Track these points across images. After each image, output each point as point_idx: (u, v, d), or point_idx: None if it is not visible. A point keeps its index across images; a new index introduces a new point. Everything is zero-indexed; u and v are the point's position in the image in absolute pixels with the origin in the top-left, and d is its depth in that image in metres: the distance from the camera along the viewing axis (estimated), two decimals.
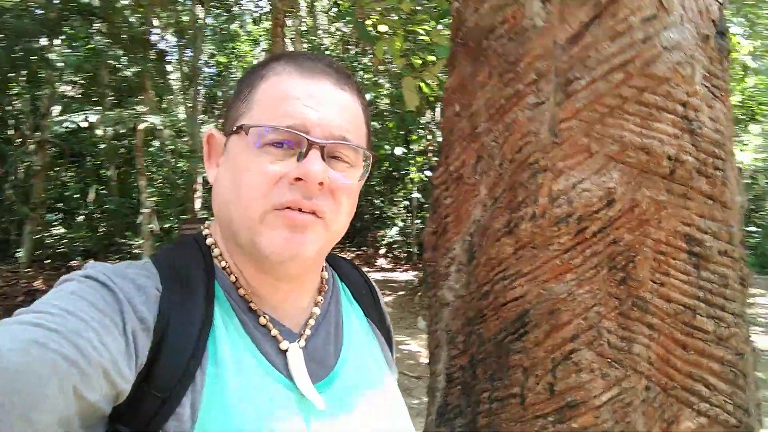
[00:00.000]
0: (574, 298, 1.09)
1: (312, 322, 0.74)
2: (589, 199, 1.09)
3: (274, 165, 0.64)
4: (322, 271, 0.82)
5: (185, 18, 11.30)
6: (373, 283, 0.92)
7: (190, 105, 12.32)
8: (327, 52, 12.01)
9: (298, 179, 0.64)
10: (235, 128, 0.68)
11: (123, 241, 11.93)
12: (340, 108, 0.69)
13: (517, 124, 1.19)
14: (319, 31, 13.01)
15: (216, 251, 0.71)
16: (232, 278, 0.70)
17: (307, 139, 0.64)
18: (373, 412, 0.73)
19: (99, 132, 8.27)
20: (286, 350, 0.68)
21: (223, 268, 0.70)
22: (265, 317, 0.69)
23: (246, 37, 16.34)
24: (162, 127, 8.55)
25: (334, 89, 0.69)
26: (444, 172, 1.43)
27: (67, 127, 8.41)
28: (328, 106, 0.67)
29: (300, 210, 0.64)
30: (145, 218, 8.93)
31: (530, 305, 1.13)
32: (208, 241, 0.73)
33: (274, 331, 0.69)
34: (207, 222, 0.78)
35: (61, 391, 0.47)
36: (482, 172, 1.29)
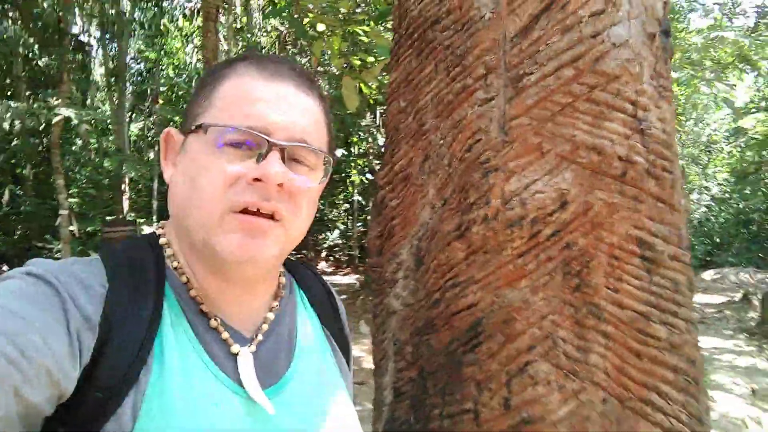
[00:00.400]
0: (529, 306, 1.03)
1: (265, 327, 0.73)
2: (543, 200, 1.03)
3: (232, 165, 0.64)
4: (280, 276, 0.81)
5: (111, 11, 10.64)
6: (334, 292, 0.92)
7: (117, 101, 11.61)
8: (263, 51, 11.68)
9: (257, 180, 0.63)
10: (194, 127, 0.67)
11: (41, 245, 11.06)
12: (302, 111, 0.68)
13: (466, 121, 1.11)
14: (255, 29, 12.66)
15: (169, 251, 0.70)
16: (184, 279, 0.68)
17: (268, 141, 0.64)
18: (322, 420, 0.72)
19: (6, 126, 7.58)
20: (237, 354, 0.67)
21: (175, 269, 0.69)
22: (216, 320, 0.68)
23: (177, 34, 15.68)
24: (77, 122, 7.94)
25: (297, 92, 0.69)
26: (389, 172, 1.34)
27: None
28: (290, 109, 0.67)
29: (258, 211, 0.64)
30: (64, 220, 8.28)
31: (483, 314, 1.06)
32: (161, 240, 0.71)
33: (225, 335, 0.68)
34: (162, 222, 0.76)
35: (1, 392, 0.47)
36: (430, 172, 1.21)
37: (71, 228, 8.63)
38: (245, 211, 0.64)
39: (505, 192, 1.04)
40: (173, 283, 0.68)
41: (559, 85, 1.05)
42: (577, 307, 1.04)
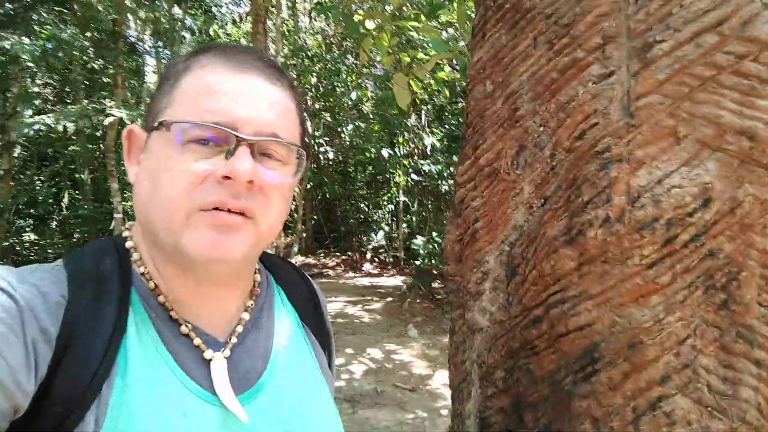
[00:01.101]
0: (662, 328, 0.83)
1: (239, 329, 0.71)
2: (681, 197, 0.83)
3: (198, 163, 0.61)
4: (255, 273, 0.79)
5: (163, 19, 10.91)
6: (316, 287, 0.89)
7: None
8: (310, 53, 11.71)
9: (227, 177, 0.61)
10: (156, 124, 0.64)
11: None
12: (271, 103, 0.66)
13: (576, 102, 0.93)
14: (301, 33, 12.72)
15: (135, 255, 0.68)
16: (151, 285, 0.66)
17: (236, 136, 0.61)
18: (300, 423, 0.70)
19: (69, 130, 7.83)
20: (210, 360, 0.65)
21: (142, 274, 0.66)
22: (187, 326, 0.66)
23: (226, 39, 16.02)
24: (130, 121, 8.14)
25: (265, 84, 0.66)
26: (471, 167, 1.17)
27: (37, 129, 7.96)
28: (257, 101, 0.64)
29: (228, 210, 0.61)
30: (118, 223, 8.49)
31: (601, 337, 0.87)
32: (128, 244, 0.69)
33: (197, 341, 0.66)
34: (130, 223, 0.73)
35: None
36: (525, 166, 1.03)
37: None
38: (215, 209, 0.61)
39: (631, 187, 0.85)
40: (140, 289, 0.65)
41: (699, 54, 0.85)
42: (723, 329, 0.83)
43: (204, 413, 0.62)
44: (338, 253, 13.75)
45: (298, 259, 12.40)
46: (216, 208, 0.61)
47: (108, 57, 8.26)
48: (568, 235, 0.91)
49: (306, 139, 0.76)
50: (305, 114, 0.77)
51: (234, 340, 0.70)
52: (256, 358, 0.71)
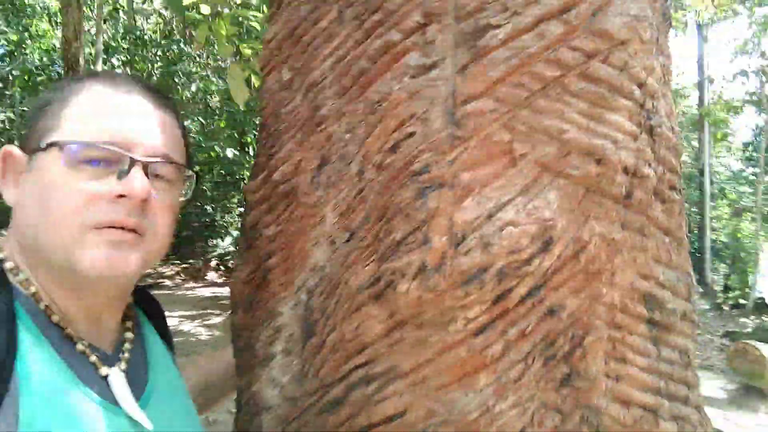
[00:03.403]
0: (493, 419, 0.61)
1: (128, 345, 0.74)
2: (517, 239, 0.61)
3: (89, 183, 0.63)
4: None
5: None
6: (155, 298, 0.91)
7: None
8: (146, 37, 10.48)
9: (121, 196, 0.63)
10: (44, 145, 0.65)
11: None
12: (161, 126, 0.69)
13: (390, 102, 0.67)
14: (133, 13, 11.34)
15: (21, 276, 0.66)
16: (42, 306, 0.65)
17: (130, 157, 0.64)
18: (183, 421, 0.75)
19: None
20: (106, 376, 0.67)
21: (32, 294, 0.65)
22: (83, 344, 0.67)
23: (44, 13, 13.82)
24: None
25: (154, 107, 0.70)
26: (265, 182, 0.87)
27: None
28: (148, 124, 0.68)
29: (122, 228, 0.64)
30: None
31: (417, 431, 0.62)
32: (7, 265, 0.66)
33: (93, 357, 0.67)
34: None
35: None
36: (329, 185, 0.75)
37: None
38: (108, 227, 0.63)
39: (455, 224, 0.61)
40: (29, 309, 0.64)
41: (542, 47, 0.64)
42: (565, 413, 0.63)
43: (113, 424, 0.64)
44: (178, 261, 12.50)
45: None
46: (111, 227, 0.63)
47: None
48: (375, 287, 0.65)
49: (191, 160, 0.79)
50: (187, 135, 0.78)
51: (126, 355, 0.72)
52: (140, 371, 0.74)
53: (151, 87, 0.73)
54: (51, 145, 0.64)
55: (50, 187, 0.63)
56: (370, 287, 0.65)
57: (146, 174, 0.65)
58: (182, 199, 0.72)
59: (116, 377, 0.68)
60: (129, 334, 0.75)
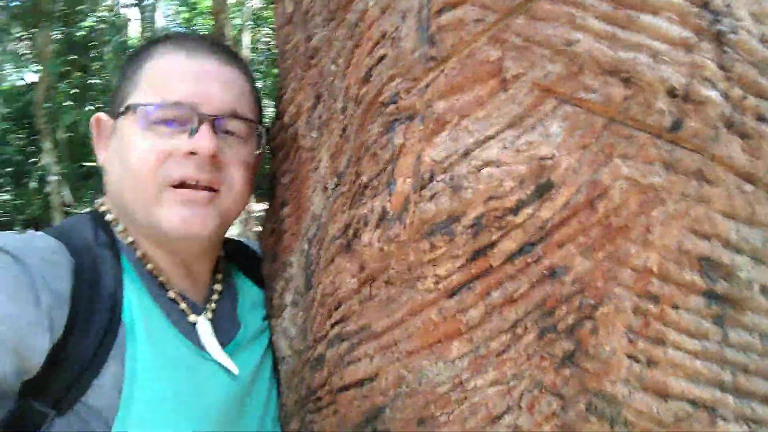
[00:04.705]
0: (465, 396, 0.51)
1: (216, 296, 0.77)
2: (499, 181, 0.49)
3: (163, 141, 0.66)
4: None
5: None
6: (254, 251, 0.93)
7: None
8: None
9: (192, 153, 0.65)
10: (122, 109, 0.69)
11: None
12: (229, 83, 0.70)
13: (366, 21, 0.57)
14: None
15: (120, 227, 0.71)
16: (139, 253, 0.70)
17: (198, 114, 0.66)
18: (259, 377, 0.78)
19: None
20: (195, 323, 0.71)
21: (130, 244, 0.71)
22: (173, 291, 0.71)
23: None
24: None
25: (221, 65, 0.71)
26: (279, 129, 0.83)
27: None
28: (216, 82, 0.69)
29: (197, 184, 0.67)
30: (54, 187, 7.84)
31: (385, 399, 0.55)
32: (108, 217, 0.72)
33: (183, 305, 0.71)
34: (99, 200, 0.76)
35: None
36: (321, 125, 0.69)
37: (62, 195, 8.26)
38: (183, 185, 0.66)
39: (423, 162, 0.51)
40: (130, 257, 0.69)
41: None
42: (566, 398, 0.51)
43: (200, 367, 0.68)
44: None
45: None
46: (183, 184, 0.66)
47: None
48: (344, 237, 0.57)
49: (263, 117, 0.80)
50: (259, 93, 0.79)
51: (213, 306, 0.76)
52: (228, 320, 0.77)
53: (220, 45, 0.74)
54: (128, 108, 0.68)
55: (129, 148, 0.67)
56: (341, 237, 0.58)
57: (215, 131, 0.67)
58: (257, 152, 0.73)
59: (203, 325, 0.72)
60: (218, 286, 0.79)
